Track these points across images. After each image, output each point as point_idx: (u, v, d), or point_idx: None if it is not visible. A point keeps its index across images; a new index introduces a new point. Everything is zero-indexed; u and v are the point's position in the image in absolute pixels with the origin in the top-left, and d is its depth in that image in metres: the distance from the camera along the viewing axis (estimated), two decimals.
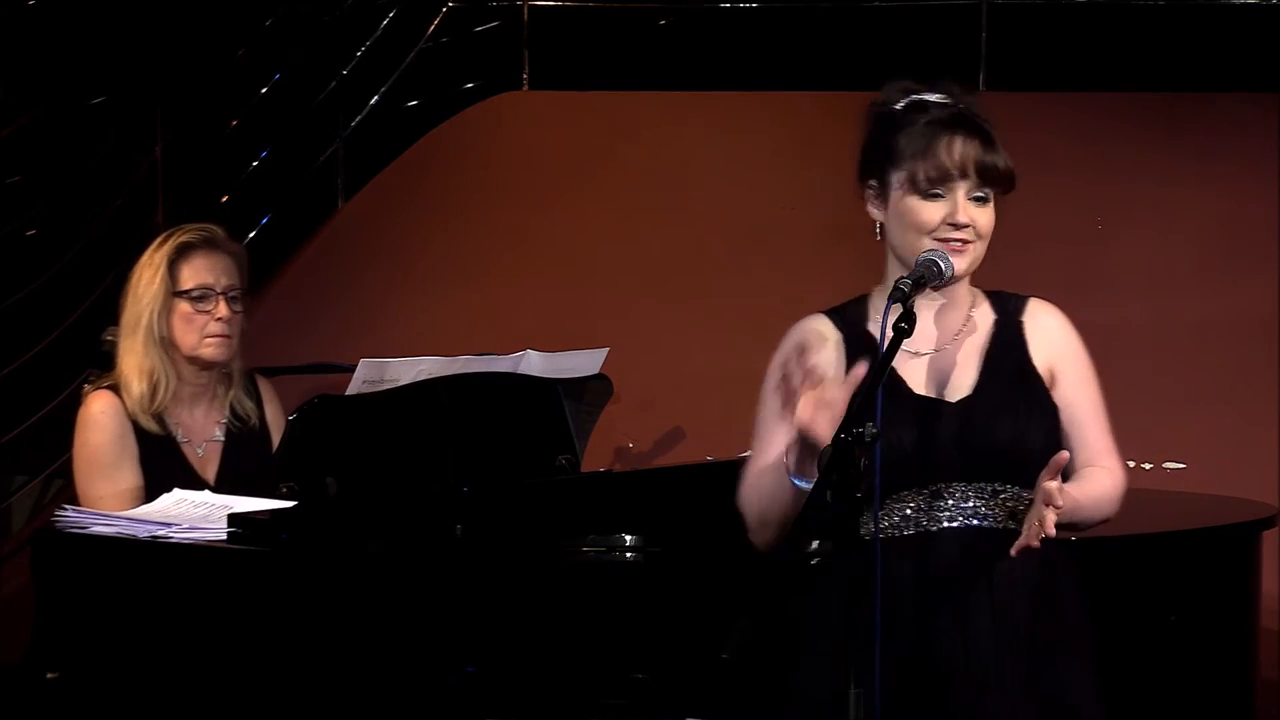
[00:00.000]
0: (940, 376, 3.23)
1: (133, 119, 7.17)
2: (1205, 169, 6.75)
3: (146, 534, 4.02)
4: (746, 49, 7.57)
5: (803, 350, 3.18)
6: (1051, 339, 3.30)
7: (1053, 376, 3.28)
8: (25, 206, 7.05)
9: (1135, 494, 5.52)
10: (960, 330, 3.27)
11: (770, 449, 3.20)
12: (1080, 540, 4.00)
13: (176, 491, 4.28)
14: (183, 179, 7.13)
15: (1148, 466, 6.25)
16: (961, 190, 3.20)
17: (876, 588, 3.05)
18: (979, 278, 3.32)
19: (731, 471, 3.28)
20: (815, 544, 3.00)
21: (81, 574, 4.08)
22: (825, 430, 2.99)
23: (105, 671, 4.01)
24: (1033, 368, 3.27)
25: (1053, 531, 3.07)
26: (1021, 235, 6.52)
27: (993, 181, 3.21)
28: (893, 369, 3.14)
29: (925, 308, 3.23)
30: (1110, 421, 3.31)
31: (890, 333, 3.05)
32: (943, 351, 3.25)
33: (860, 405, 2.98)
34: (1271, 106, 6.76)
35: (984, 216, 3.21)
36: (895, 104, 3.26)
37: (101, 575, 4.04)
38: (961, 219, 3.19)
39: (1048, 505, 3.07)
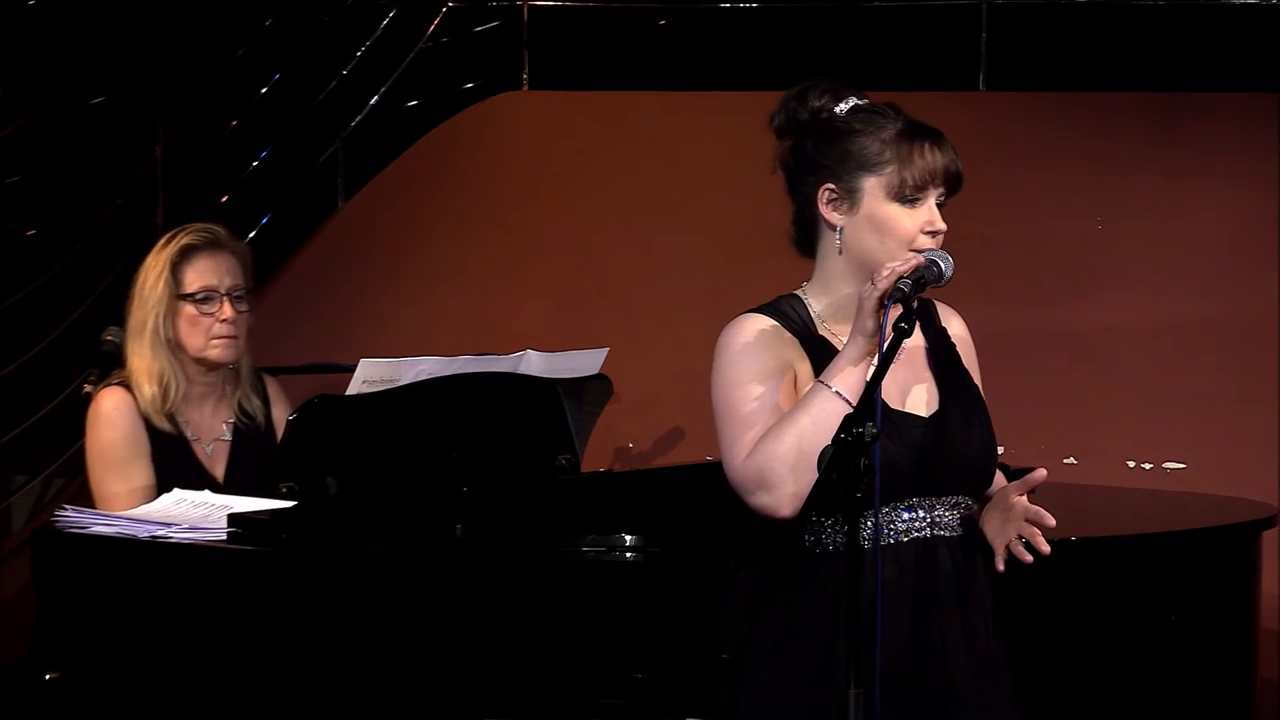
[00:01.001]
0: (901, 388, 3.25)
1: (133, 119, 7.16)
2: (1205, 169, 6.74)
3: (146, 534, 4.02)
4: (746, 49, 7.56)
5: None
6: (965, 341, 3.37)
7: None
8: (25, 206, 7.04)
9: (1135, 494, 5.56)
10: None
11: (773, 405, 3.18)
12: (1081, 540, 4.03)
13: (176, 491, 4.28)
14: (183, 179, 7.12)
15: (1148, 466, 6.25)
16: (933, 197, 3.21)
17: (878, 588, 3.06)
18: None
19: None
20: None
21: (81, 574, 4.07)
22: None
23: (105, 671, 4.01)
24: (970, 375, 3.30)
25: (1047, 550, 3.11)
26: (1022, 235, 6.55)
27: (955, 188, 3.23)
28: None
29: None
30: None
31: (891, 332, 3.06)
32: (895, 361, 3.24)
33: (860, 406, 2.99)
34: (1271, 106, 6.75)
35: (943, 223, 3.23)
36: (834, 107, 3.25)
37: (101, 575, 4.04)
38: (940, 225, 3.21)
39: (1029, 521, 3.11)
